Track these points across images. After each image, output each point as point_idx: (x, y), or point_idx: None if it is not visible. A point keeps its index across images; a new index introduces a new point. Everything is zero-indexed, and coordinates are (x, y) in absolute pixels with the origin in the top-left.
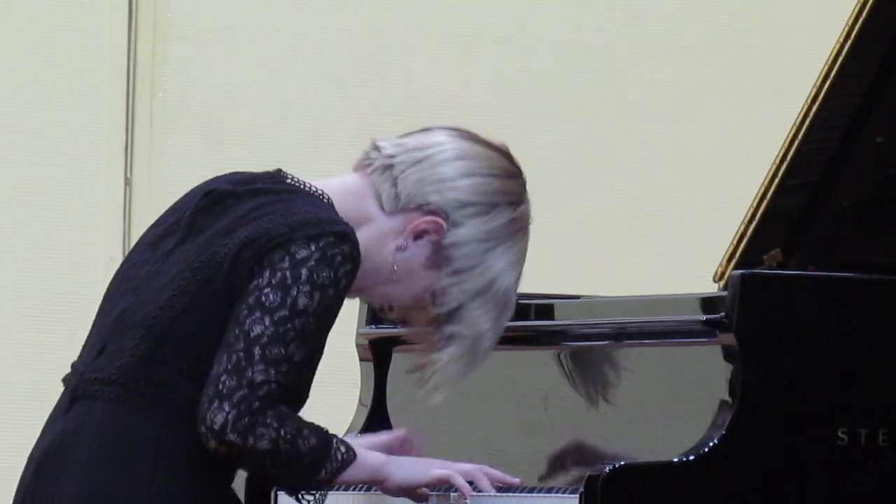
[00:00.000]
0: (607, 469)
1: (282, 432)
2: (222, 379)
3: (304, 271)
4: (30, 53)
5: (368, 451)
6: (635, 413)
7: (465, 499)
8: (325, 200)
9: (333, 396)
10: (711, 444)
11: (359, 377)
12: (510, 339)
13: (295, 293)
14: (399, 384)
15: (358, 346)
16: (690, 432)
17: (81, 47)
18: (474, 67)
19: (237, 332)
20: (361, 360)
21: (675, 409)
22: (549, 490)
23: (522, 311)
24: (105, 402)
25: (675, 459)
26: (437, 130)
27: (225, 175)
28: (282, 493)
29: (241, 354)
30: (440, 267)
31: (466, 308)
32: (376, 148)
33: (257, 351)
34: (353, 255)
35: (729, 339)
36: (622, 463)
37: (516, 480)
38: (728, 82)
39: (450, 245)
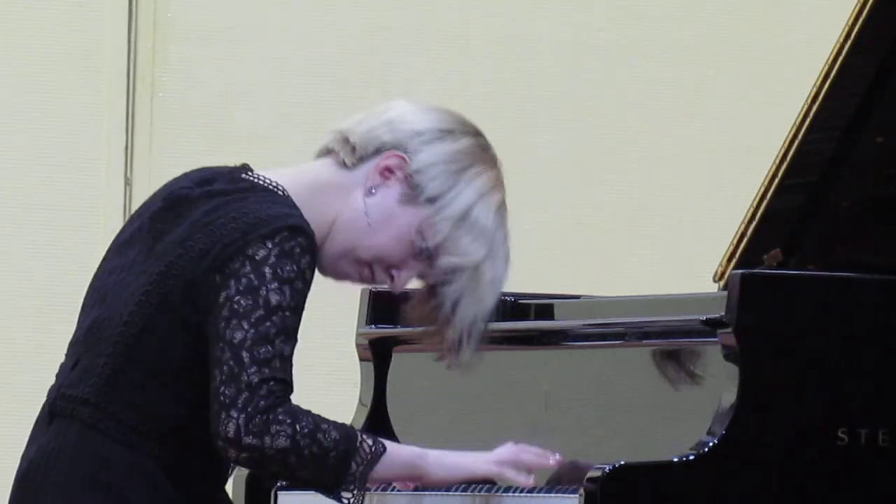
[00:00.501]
0: (607, 469)
1: (297, 427)
2: (221, 391)
3: (267, 270)
4: (30, 53)
5: (399, 445)
6: (635, 413)
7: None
8: (280, 194)
9: (333, 396)
10: (711, 444)
11: (359, 377)
12: (510, 340)
13: (265, 293)
14: (399, 384)
15: (358, 346)
16: (690, 432)
17: (81, 47)
18: (474, 67)
19: (221, 345)
20: (361, 360)
21: (675, 409)
22: (550, 490)
23: (522, 311)
24: (80, 423)
25: (675, 459)
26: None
27: (189, 174)
28: (282, 493)
29: (232, 363)
30: (415, 199)
31: (453, 237)
32: (333, 129)
33: (245, 355)
34: (310, 246)
35: (729, 339)
36: (622, 463)
37: (557, 457)
38: (728, 82)
39: (416, 172)
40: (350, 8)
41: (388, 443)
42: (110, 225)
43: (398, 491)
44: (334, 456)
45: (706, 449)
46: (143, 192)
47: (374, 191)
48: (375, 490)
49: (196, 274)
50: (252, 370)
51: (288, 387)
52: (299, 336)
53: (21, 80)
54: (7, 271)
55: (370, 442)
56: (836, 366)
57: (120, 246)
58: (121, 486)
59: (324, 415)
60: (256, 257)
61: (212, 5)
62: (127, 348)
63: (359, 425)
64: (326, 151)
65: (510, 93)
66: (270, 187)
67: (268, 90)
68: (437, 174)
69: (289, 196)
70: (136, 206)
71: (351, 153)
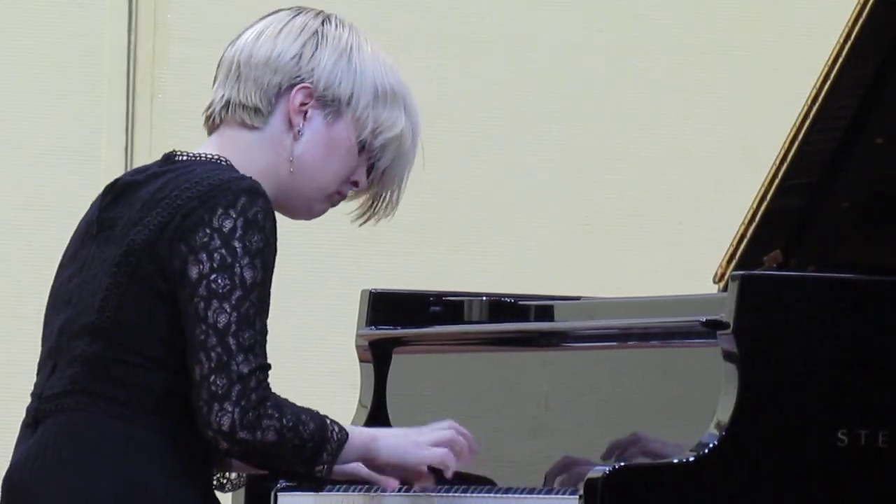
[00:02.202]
0: (607, 470)
1: (284, 421)
2: (211, 379)
3: (237, 244)
4: (30, 53)
5: (355, 428)
6: (635, 414)
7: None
8: (223, 164)
9: (333, 397)
10: (711, 444)
11: (358, 378)
12: (510, 340)
13: (240, 270)
14: (399, 385)
15: (357, 347)
16: (690, 432)
17: (81, 47)
18: (474, 67)
19: (203, 327)
20: (361, 361)
21: (675, 409)
22: (549, 491)
23: (522, 312)
24: (68, 412)
25: (675, 460)
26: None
27: (124, 173)
28: (282, 493)
29: (219, 350)
30: (338, 111)
31: (377, 118)
32: (206, 108)
33: (232, 342)
34: (269, 206)
35: (729, 340)
36: (622, 463)
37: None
38: (728, 82)
39: (324, 89)
40: (350, 8)
41: (347, 427)
42: None
43: (398, 491)
44: (310, 447)
45: (706, 449)
46: None
47: (301, 131)
48: (374, 491)
49: (160, 246)
50: (240, 359)
51: (267, 370)
52: (299, 336)
53: (21, 80)
54: (6, 271)
55: (337, 429)
56: (836, 366)
57: (72, 255)
58: (126, 462)
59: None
60: (224, 229)
61: (212, 5)
62: (105, 332)
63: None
64: (220, 122)
65: (510, 93)
66: (212, 159)
67: None
68: (338, 78)
69: (231, 164)
70: None
71: (255, 113)
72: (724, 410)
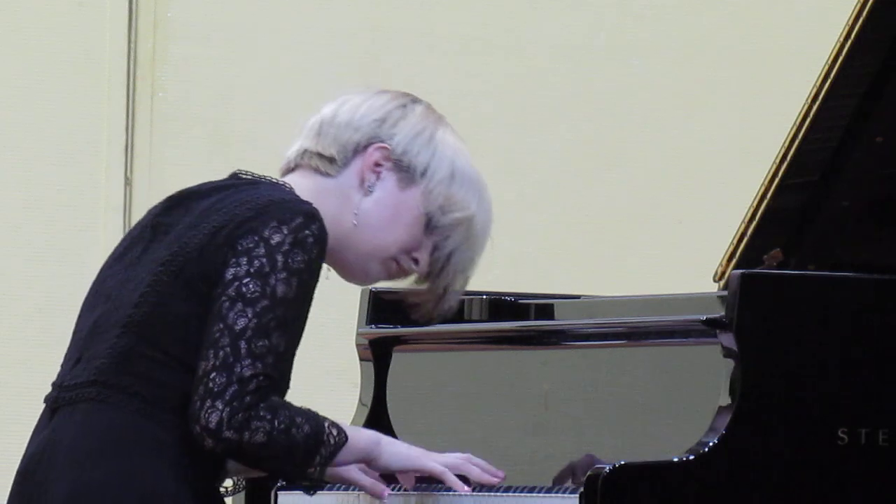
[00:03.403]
0: (607, 469)
1: (275, 423)
2: (211, 376)
3: (279, 258)
4: (30, 53)
5: (359, 431)
6: (635, 413)
7: (461, 491)
8: (286, 188)
9: (334, 396)
10: (711, 443)
11: (359, 377)
12: (510, 340)
13: (274, 282)
14: (399, 384)
15: (358, 345)
16: (690, 432)
17: (81, 47)
18: (474, 67)
19: (221, 326)
20: (361, 359)
21: (675, 409)
22: (550, 490)
23: (522, 311)
24: (87, 402)
25: (675, 459)
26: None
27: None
28: (282, 493)
29: (228, 350)
30: (412, 179)
31: (449, 196)
32: (283, 163)
33: (243, 345)
34: (322, 236)
35: (729, 339)
36: (622, 463)
37: (500, 474)
38: (728, 82)
39: (402, 154)
40: (350, 8)
41: (348, 430)
42: (110, 225)
43: (397, 491)
44: (303, 450)
45: (706, 449)
46: (143, 191)
47: (371, 189)
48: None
49: (209, 249)
50: (246, 362)
51: (275, 383)
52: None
53: (21, 80)
54: (7, 271)
55: (335, 433)
56: (837, 366)
57: (121, 253)
58: (133, 454)
59: (324, 415)
60: (271, 241)
61: (212, 5)
62: (138, 327)
63: (359, 425)
64: (296, 167)
65: (510, 93)
66: (277, 183)
67: (268, 90)
68: (418, 148)
69: (294, 191)
70: (136, 205)
71: (330, 163)
72: (724, 409)
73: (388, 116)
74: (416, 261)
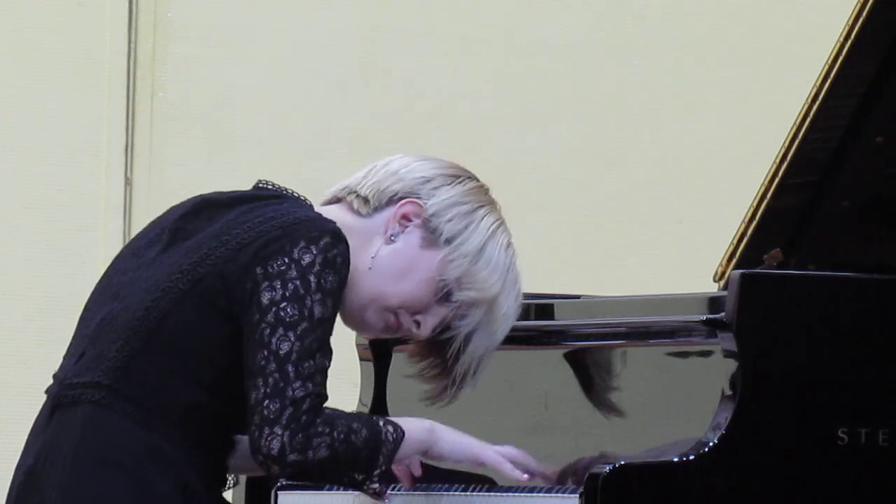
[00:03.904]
0: (607, 469)
1: (335, 434)
2: (265, 404)
3: (312, 279)
4: (30, 53)
5: (410, 422)
6: (635, 413)
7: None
8: (308, 203)
9: (334, 396)
10: (711, 443)
11: (359, 377)
12: (510, 339)
13: (310, 304)
14: (399, 384)
15: (358, 345)
16: (690, 432)
17: (81, 47)
18: (474, 67)
19: (265, 353)
20: (362, 359)
21: (675, 409)
22: (550, 490)
23: (522, 310)
24: (89, 404)
25: (675, 459)
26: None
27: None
28: (282, 493)
29: (277, 376)
30: (435, 242)
31: (470, 272)
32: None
33: (290, 369)
34: (347, 254)
35: (729, 339)
36: (622, 463)
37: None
38: (728, 82)
39: (433, 215)
40: (350, 8)
41: (402, 423)
42: (110, 225)
43: (398, 491)
44: (365, 454)
45: (706, 449)
46: (143, 191)
47: (394, 238)
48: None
49: (234, 265)
50: (297, 385)
51: (324, 399)
52: None
53: (21, 80)
54: (7, 271)
55: (391, 429)
56: (837, 366)
57: (137, 249)
58: (134, 463)
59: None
60: (302, 262)
61: (212, 5)
62: (147, 333)
63: None
64: (334, 200)
65: (510, 92)
66: (300, 199)
67: (268, 90)
68: (452, 216)
69: (314, 208)
70: (136, 205)
71: (364, 204)
72: (724, 409)
73: (435, 179)
74: (417, 323)
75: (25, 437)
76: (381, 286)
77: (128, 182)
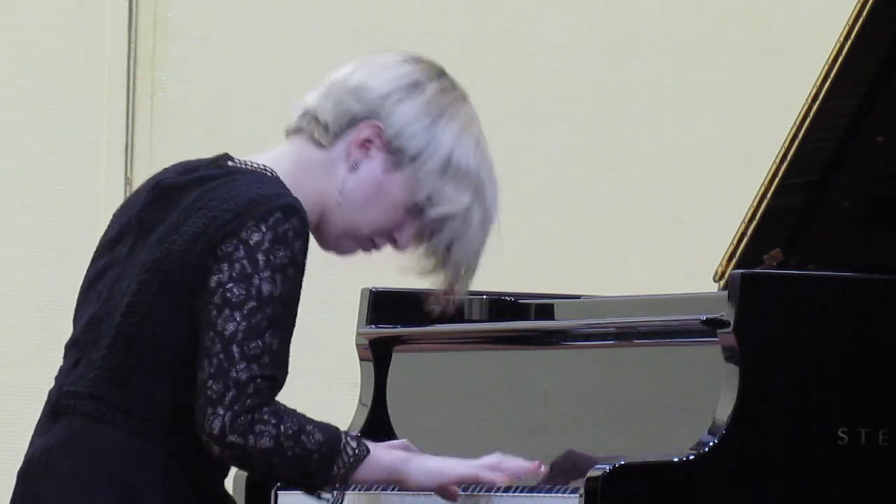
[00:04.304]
0: (607, 469)
1: (282, 428)
2: (209, 385)
3: (260, 256)
4: (30, 53)
5: (385, 449)
6: (635, 413)
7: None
8: (269, 175)
9: (334, 396)
10: (711, 443)
11: (359, 377)
12: (510, 339)
13: (258, 282)
14: (399, 384)
15: (358, 345)
16: (690, 432)
17: (81, 47)
18: (474, 67)
19: (211, 334)
20: (361, 360)
21: (675, 409)
22: (550, 490)
23: (522, 310)
24: (83, 416)
25: (675, 459)
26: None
27: (171, 167)
28: (282, 492)
29: (222, 356)
30: (399, 163)
31: (438, 188)
32: (296, 112)
33: (235, 350)
34: (303, 228)
35: (729, 339)
36: (622, 463)
37: (535, 465)
38: (728, 82)
39: (395, 136)
40: (350, 8)
41: (372, 445)
42: None
43: (398, 491)
44: (317, 458)
45: (706, 449)
46: None
47: (357, 166)
48: (374, 490)
49: (191, 257)
50: (241, 366)
51: (275, 383)
52: (300, 335)
53: (21, 80)
54: (7, 271)
55: (354, 444)
56: (837, 366)
57: (108, 242)
58: (126, 476)
59: (324, 415)
60: (251, 241)
61: (212, 5)
62: (127, 338)
63: (359, 425)
64: (297, 130)
65: (510, 93)
66: (258, 170)
67: (268, 90)
68: (413, 132)
69: (278, 177)
70: None
71: (324, 132)
72: (724, 409)
73: (393, 94)
74: (395, 241)
75: (25, 438)
76: (351, 217)
77: (128, 182)
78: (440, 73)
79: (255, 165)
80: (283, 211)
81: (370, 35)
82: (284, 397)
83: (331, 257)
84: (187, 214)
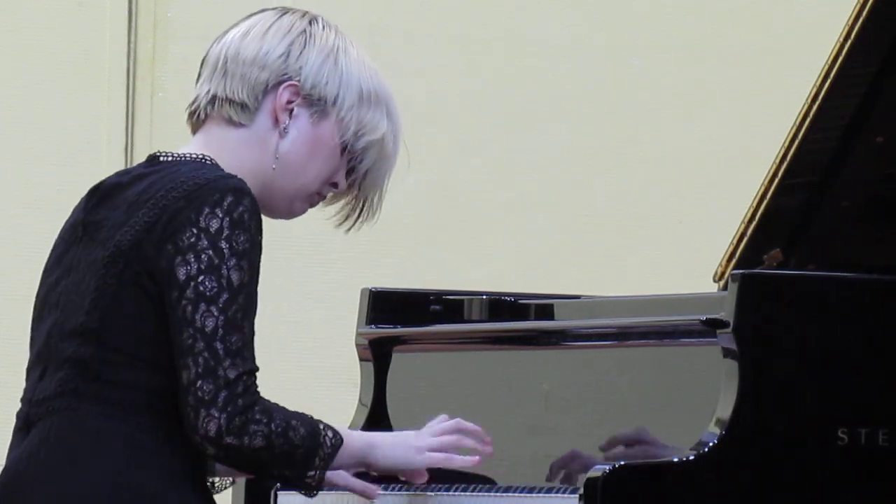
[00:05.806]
0: (607, 469)
1: (272, 426)
2: (198, 385)
3: (223, 245)
4: (30, 53)
5: (353, 433)
6: (635, 413)
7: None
8: (208, 163)
9: (333, 396)
10: (711, 443)
11: (359, 377)
12: (510, 339)
13: (227, 272)
14: (399, 384)
15: (358, 345)
16: (690, 432)
17: (81, 47)
18: (474, 67)
19: (191, 331)
20: (361, 360)
21: (675, 409)
22: (550, 490)
23: (522, 311)
24: (58, 414)
25: (675, 459)
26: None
27: (107, 177)
28: (282, 493)
29: (207, 355)
30: (324, 111)
31: (361, 120)
32: (190, 104)
33: (220, 346)
34: (254, 206)
35: (728, 339)
36: (622, 463)
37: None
38: (728, 82)
39: (312, 87)
40: (349, 8)
41: (343, 431)
42: None
43: (392, 491)
44: (301, 452)
45: (706, 449)
46: None
47: (287, 129)
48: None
49: (147, 246)
50: (227, 363)
51: (255, 373)
52: (300, 335)
53: (21, 80)
54: (7, 271)
55: (331, 435)
56: (837, 366)
57: (57, 258)
58: (112, 458)
59: (323, 415)
60: (210, 229)
61: (212, 5)
62: (94, 333)
63: (359, 425)
64: (206, 119)
65: (510, 93)
66: (195, 159)
67: None
68: (325, 77)
69: (216, 163)
70: None
71: (242, 110)
72: (724, 409)
73: (293, 49)
74: (334, 185)
75: None
76: (296, 179)
77: None
78: (312, 16)
79: (190, 155)
80: (234, 193)
81: (369, 35)
82: (285, 398)
83: (331, 257)
84: (135, 208)
